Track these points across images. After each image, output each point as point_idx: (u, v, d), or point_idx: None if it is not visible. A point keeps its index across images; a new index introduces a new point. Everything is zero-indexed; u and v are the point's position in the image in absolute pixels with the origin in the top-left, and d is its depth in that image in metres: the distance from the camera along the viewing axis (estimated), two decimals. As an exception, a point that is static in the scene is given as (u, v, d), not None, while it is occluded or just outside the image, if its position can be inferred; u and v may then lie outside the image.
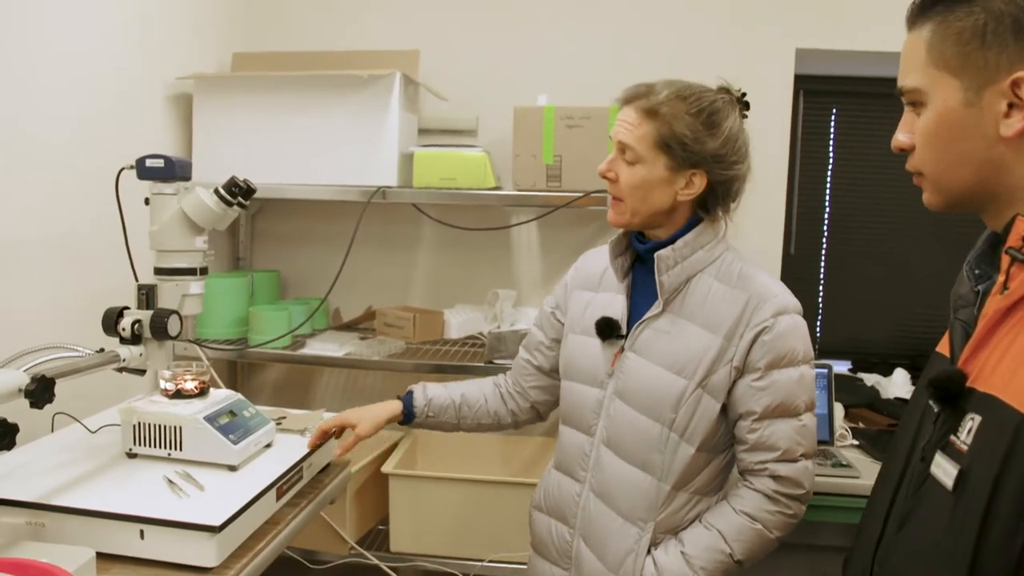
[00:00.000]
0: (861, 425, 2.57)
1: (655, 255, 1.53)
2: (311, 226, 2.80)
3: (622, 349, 1.58)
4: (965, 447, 0.96)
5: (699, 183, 1.50)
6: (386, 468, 2.28)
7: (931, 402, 1.07)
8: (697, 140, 1.48)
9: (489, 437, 2.63)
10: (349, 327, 2.65)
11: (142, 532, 1.35)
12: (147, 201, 1.64)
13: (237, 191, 1.63)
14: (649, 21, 2.68)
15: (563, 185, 2.34)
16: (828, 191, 3.02)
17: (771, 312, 1.48)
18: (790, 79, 2.68)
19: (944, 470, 0.98)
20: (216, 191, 1.62)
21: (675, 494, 1.53)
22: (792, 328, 1.49)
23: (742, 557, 1.50)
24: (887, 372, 2.86)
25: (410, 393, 1.83)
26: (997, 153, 0.97)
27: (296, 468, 1.67)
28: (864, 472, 2.18)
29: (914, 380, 2.80)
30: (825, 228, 3.04)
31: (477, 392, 1.84)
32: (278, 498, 1.59)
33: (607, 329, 1.60)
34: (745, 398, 1.49)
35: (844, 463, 2.23)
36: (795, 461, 1.49)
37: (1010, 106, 0.95)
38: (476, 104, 2.68)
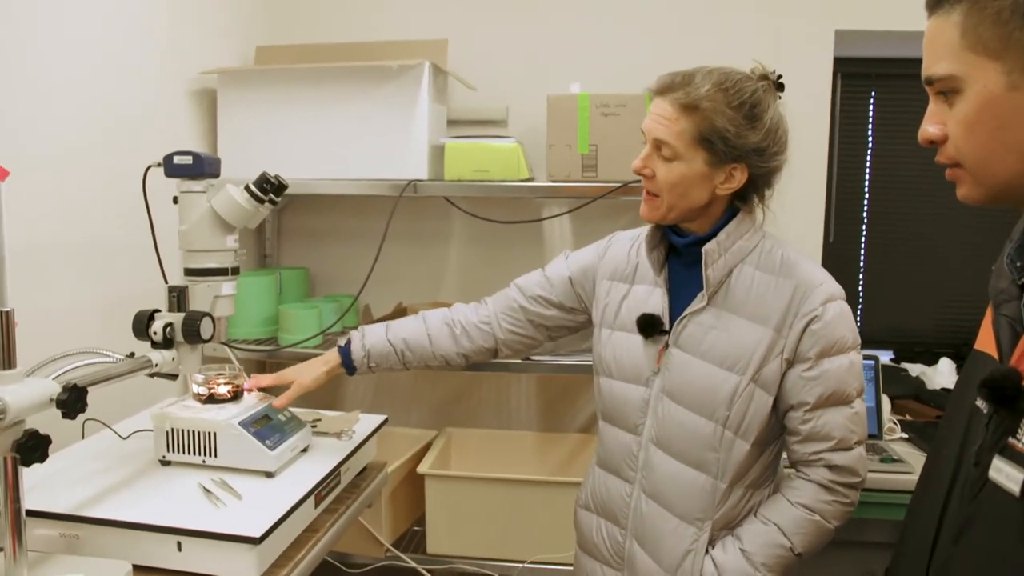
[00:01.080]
0: (908, 417, 2.49)
1: (703, 249, 1.47)
2: (339, 221, 2.74)
3: (666, 345, 1.52)
4: None
5: (740, 176, 1.45)
6: (422, 468, 2.23)
7: (980, 403, 1.01)
8: (739, 134, 1.41)
9: (526, 436, 2.58)
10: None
11: (179, 544, 1.30)
12: (175, 200, 1.59)
13: (268, 187, 1.58)
14: (682, 5, 2.59)
15: (599, 175, 2.27)
16: (867, 177, 2.93)
17: (820, 300, 1.44)
18: (829, 62, 2.59)
19: (1007, 475, 0.92)
20: (247, 188, 1.57)
21: (731, 490, 1.49)
22: (840, 315, 1.46)
23: (802, 550, 1.46)
24: (931, 361, 2.79)
25: (348, 343, 1.78)
26: None
27: (334, 473, 1.62)
28: (917, 466, 2.10)
29: (959, 369, 2.72)
30: (864, 215, 2.96)
31: (421, 334, 1.78)
32: (316, 504, 1.54)
33: (649, 326, 1.54)
34: (797, 389, 1.45)
35: (895, 457, 2.15)
36: (850, 449, 1.46)
37: None
38: (506, 94, 2.61)
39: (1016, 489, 0.90)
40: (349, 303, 2.31)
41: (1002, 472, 0.93)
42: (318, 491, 1.53)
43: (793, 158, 2.60)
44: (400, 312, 2.62)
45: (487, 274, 2.69)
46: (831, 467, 1.46)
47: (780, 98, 1.49)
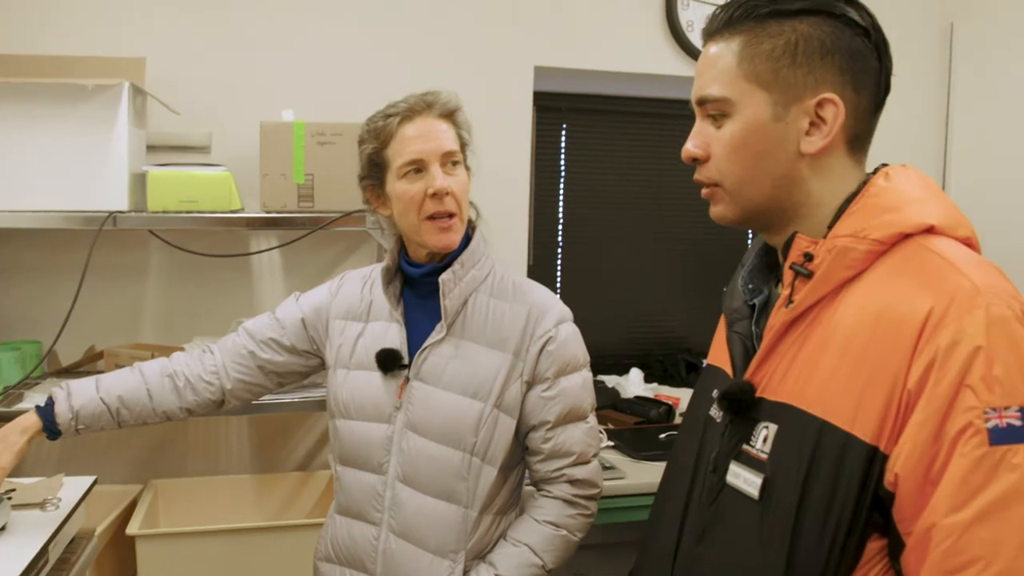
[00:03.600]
0: (611, 426, 2.68)
1: (440, 279, 1.50)
2: (12, 258, 2.39)
3: (407, 380, 1.52)
4: (764, 455, 1.00)
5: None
6: (131, 530, 2.01)
7: (715, 413, 1.12)
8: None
9: (241, 480, 2.43)
10: (70, 372, 2.32)
11: None
12: None
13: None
14: (394, 39, 2.61)
15: (316, 205, 2.21)
16: (561, 203, 3.13)
17: (553, 322, 1.53)
18: (529, 95, 2.74)
19: (745, 479, 1.02)
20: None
21: (482, 518, 1.51)
22: (573, 335, 1.56)
23: (553, 565, 1.52)
24: (622, 372, 3.03)
25: (51, 403, 1.57)
26: (795, 168, 1.02)
27: (42, 553, 1.41)
28: (627, 472, 2.26)
29: (647, 378, 2.99)
30: (560, 239, 3.15)
31: (139, 389, 1.62)
32: (27, 593, 1.34)
33: (389, 360, 1.54)
34: (537, 409, 1.51)
35: (606, 465, 2.31)
36: (588, 462, 1.55)
37: (811, 124, 1.00)
38: (209, 119, 2.44)
39: (755, 493, 1.00)
40: (32, 350, 2.03)
41: (740, 477, 1.03)
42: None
43: (498, 185, 2.73)
44: (93, 357, 2.36)
45: (191, 311, 2.49)
46: (572, 481, 1.53)
47: None
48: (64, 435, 1.57)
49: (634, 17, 2.79)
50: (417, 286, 1.57)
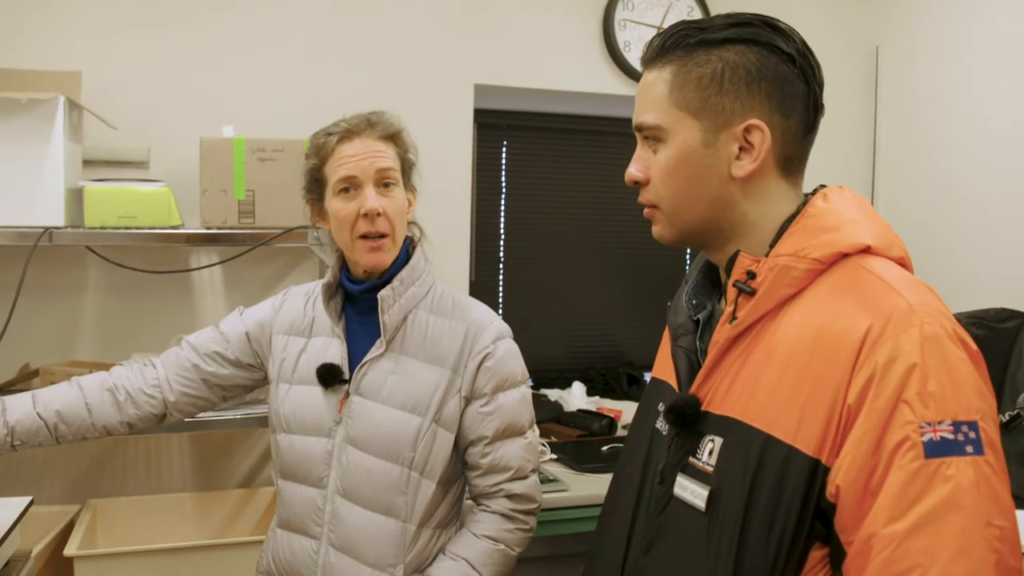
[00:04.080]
0: (554, 439, 2.71)
1: (379, 296, 1.52)
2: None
3: (347, 395, 1.54)
4: (710, 468, 1.03)
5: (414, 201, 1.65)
6: (69, 551, 1.97)
7: (661, 426, 1.15)
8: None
9: (182, 498, 2.40)
10: (3, 390, 2.26)
11: None
12: None
13: None
14: (336, 56, 2.63)
15: (256, 222, 2.21)
16: (503, 219, 3.17)
17: (491, 339, 1.55)
18: (470, 113, 2.78)
19: (692, 491, 1.05)
20: None
21: (420, 532, 1.53)
22: (511, 352, 1.59)
23: None
24: (565, 385, 3.06)
25: None
26: (727, 191, 1.06)
27: (-21, 573, 1.39)
28: (571, 484, 2.29)
29: (590, 391, 3.03)
30: (501, 254, 3.18)
31: (77, 404, 1.60)
32: (-38, 616, 1.31)
33: (329, 376, 1.55)
34: (475, 424, 1.53)
35: (550, 478, 2.33)
36: (526, 478, 1.57)
37: (741, 149, 1.05)
38: (147, 134, 2.43)
39: (701, 504, 1.03)
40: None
41: (686, 489, 1.06)
42: (-37, 599, 1.31)
43: (439, 202, 2.75)
44: (28, 375, 2.32)
45: (129, 328, 2.46)
46: (511, 496, 1.55)
47: None
48: None
49: (572, 37, 2.85)
50: (357, 302, 1.59)
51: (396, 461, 1.50)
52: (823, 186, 1.11)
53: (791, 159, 1.08)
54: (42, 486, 2.40)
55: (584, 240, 3.24)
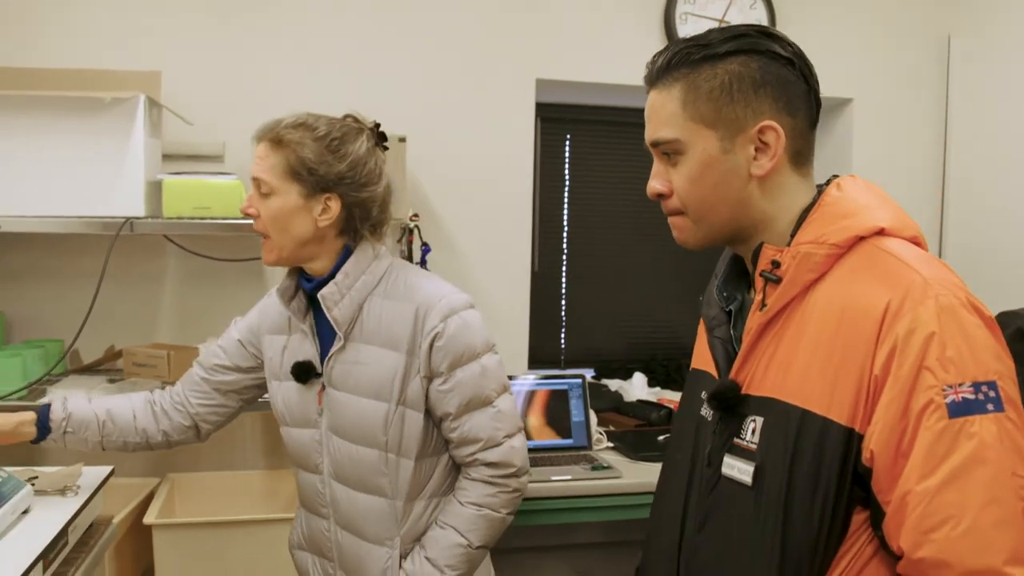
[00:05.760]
0: (612, 428, 2.75)
1: (319, 295, 1.57)
2: (37, 261, 2.52)
3: (323, 387, 1.62)
4: (753, 445, 1.10)
5: (335, 207, 1.55)
6: (148, 519, 2.12)
7: (705, 412, 1.21)
8: (323, 163, 1.53)
9: (252, 475, 2.53)
10: (91, 370, 2.43)
11: None
12: None
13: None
14: (402, 52, 2.72)
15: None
16: (566, 212, 3.22)
17: (439, 317, 1.56)
18: (532, 107, 2.84)
19: (738, 469, 1.11)
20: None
21: (411, 505, 1.61)
22: (463, 327, 1.57)
23: (481, 543, 1.61)
24: (626, 376, 3.10)
25: (47, 406, 1.70)
26: (748, 191, 1.13)
27: (62, 534, 1.51)
28: (624, 472, 2.33)
29: (650, 382, 3.06)
30: (564, 246, 3.23)
31: (126, 408, 1.75)
32: (45, 570, 1.43)
33: (303, 373, 1.63)
34: (439, 402, 1.58)
35: (605, 465, 2.38)
36: (499, 445, 1.60)
37: (757, 150, 1.11)
38: (222, 130, 2.56)
39: (748, 480, 1.10)
40: (55, 348, 2.14)
41: (733, 467, 1.12)
42: (46, 556, 1.43)
43: (501, 194, 2.82)
44: (113, 356, 2.48)
45: (206, 314, 2.61)
46: (487, 464, 1.60)
47: (385, 147, 1.65)
48: (53, 433, 1.68)
49: (633, 31, 2.88)
50: (315, 299, 1.62)
51: (372, 445, 1.57)
52: (835, 176, 1.16)
53: (801, 153, 1.14)
54: (125, 459, 2.56)
55: (646, 232, 3.26)
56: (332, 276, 1.57)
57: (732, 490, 1.12)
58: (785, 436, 1.05)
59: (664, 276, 3.30)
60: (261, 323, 1.75)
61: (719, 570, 1.13)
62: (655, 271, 3.29)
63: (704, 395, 1.21)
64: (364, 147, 1.57)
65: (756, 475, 1.08)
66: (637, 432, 2.69)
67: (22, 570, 1.32)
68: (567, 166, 3.20)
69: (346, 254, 1.59)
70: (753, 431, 1.10)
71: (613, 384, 3.07)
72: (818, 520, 1.02)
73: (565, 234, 3.23)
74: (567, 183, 3.21)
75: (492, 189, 2.84)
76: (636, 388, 2.99)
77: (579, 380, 2.61)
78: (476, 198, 2.82)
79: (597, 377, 3.19)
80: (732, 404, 1.14)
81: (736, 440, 1.13)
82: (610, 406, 2.88)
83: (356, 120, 1.61)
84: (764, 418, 1.09)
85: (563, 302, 3.25)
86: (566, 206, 3.22)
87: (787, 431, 1.05)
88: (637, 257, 3.27)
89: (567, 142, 3.18)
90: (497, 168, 2.84)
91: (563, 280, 3.24)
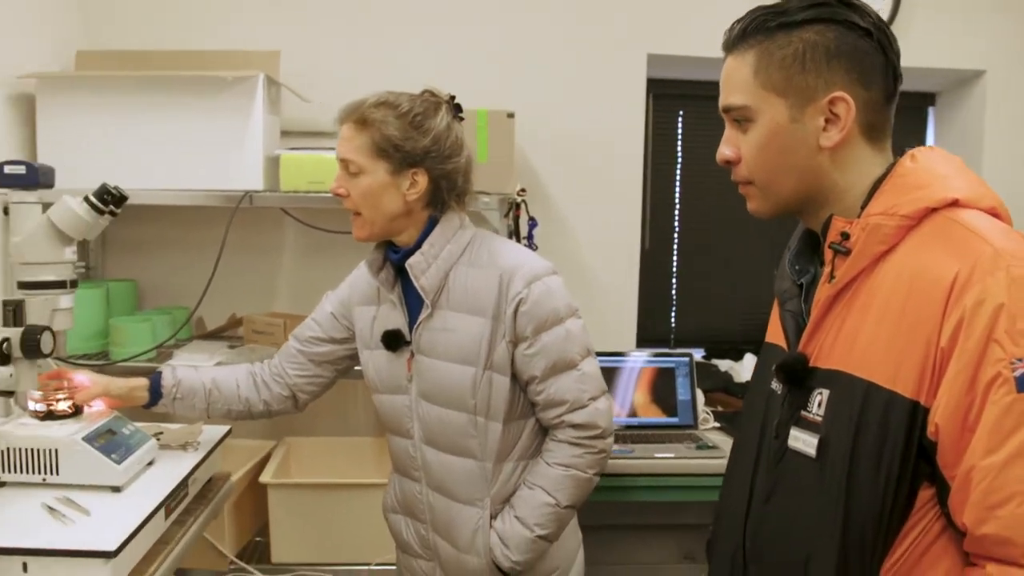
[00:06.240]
0: (719, 408, 2.72)
1: (407, 264, 1.61)
2: (164, 232, 2.67)
3: (412, 354, 1.66)
4: (819, 418, 1.09)
5: (422, 181, 1.58)
6: (264, 478, 2.23)
7: (775, 385, 1.20)
8: (408, 140, 1.56)
9: (364, 441, 2.61)
10: (213, 336, 2.57)
11: (25, 565, 1.28)
12: (5, 210, 1.54)
13: (109, 199, 1.56)
14: (514, 29, 2.73)
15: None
16: (678, 189, 3.18)
17: (523, 283, 1.58)
18: (643, 83, 2.81)
19: (804, 441, 1.11)
20: (86, 199, 1.54)
21: (500, 467, 1.64)
22: (546, 292, 1.59)
23: (569, 502, 1.63)
24: (737, 357, 3.04)
25: (158, 373, 1.79)
26: (817, 162, 1.11)
27: (183, 484, 1.62)
28: (729, 452, 2.30)
29: (761, 364, 3.00)
30: (676, 224, 3.19)
31: (230, 377, 1.84)
32: (167, 516, 1.54)
33: (392, 341, 1.67)
34: (525, 366, 1.60)
35: (710, 444, 2.36)
36: (584, 407, 1.61)
37: (827, 121, 1.09)
38: (339, 107, 2.63)
39: (812, 452, 1.09)
40: (181, 315, 2.27)
41: (799, 440, 1.12)
42: (168, 503, 1.53)
43: (611, 171, 2.80)
44: (234, 323, 2.60)
45: (322, 284, 2.67)
46: (573, 426, 1.61)
47: (461, 118, 1.67)
48: (164, 398, 1.77)
49: (750, 4, 2.79)
50: (402, 269, 1.66)
51: (461, 409, 1.61)
52: (910, 148, 1.13)
53: (874, 126, 1.12)
54: (245, 423, 2.69)
55: (758, 211, 3.18)
56: (418, 246, 1.61)
57: (798, 463, 1.12)
58: (850, 409, 1.04)
59: (778, 257, 3.20)
60: (351, 295, 1.80)
61: (783, 542, 1.13)
62: (771, 252, 3.21)
63: (773, 368, 1.19)
64: (444, 121, 1.60)
65: (820, 448, 1.08)
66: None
67: (146, 514, 1.42)
68: (679, 143, 3.15)
69: (431, 225, 1.62)
70: (819, 404, 1.10)
71: (723, 365, 3.02)
72: (881, 494, 1.00)
73: (677, 212, 3.19)
74: (679, 160, 3.16)
75: (601, 166, 2.83)
76: (747, 369, 2.94)
77: (686, 359, 2.59)
78: (585, 175, 2.82)
79: (707, 357, 3.14)
80: (800, 377, 1.13)
81: (803, 413, 1.12)
82: (719, 386, 2.84)
83: (433, 95, 1.64)
84: (830, 391, 1.08)
85: (674, 281, 3.21)
86: (678, 184, 3.17)
87: (852, 404, 1.04)
88: (751, 237, 3.19)
89: (679, 118, 3.13)
90: (607, 144, 2.82)
91: (674, 259, 3.20)
